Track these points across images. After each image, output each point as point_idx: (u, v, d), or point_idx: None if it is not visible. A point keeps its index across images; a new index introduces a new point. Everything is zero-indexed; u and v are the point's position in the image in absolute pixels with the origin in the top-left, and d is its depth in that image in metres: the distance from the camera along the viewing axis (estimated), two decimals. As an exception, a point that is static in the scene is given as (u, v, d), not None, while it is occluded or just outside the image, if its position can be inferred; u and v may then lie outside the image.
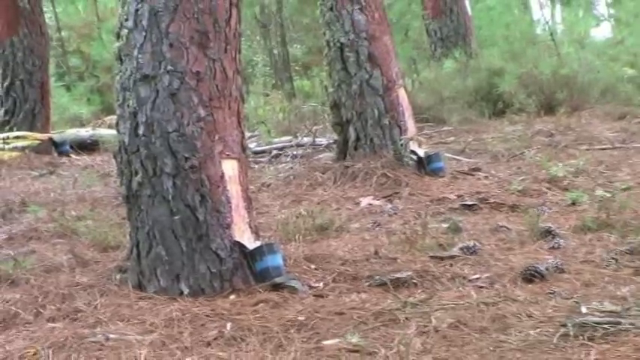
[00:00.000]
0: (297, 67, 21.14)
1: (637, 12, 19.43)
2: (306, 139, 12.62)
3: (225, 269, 5.52)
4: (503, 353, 4.23)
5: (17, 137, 13.41)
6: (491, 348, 4.31)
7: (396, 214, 7.91)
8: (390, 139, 9.66)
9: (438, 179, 9.36)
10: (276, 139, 13.15)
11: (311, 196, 8.90)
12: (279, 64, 21.35)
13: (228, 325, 4.81)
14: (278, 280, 5.53)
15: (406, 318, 4.81)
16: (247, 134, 6.76)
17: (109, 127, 14.90)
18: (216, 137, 5.58)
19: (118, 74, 5.72)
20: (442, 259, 6.11)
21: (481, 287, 5.42)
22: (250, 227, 5.75)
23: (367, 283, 5.59)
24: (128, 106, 5.59)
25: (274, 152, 12.32)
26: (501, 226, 7.04)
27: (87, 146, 14.64)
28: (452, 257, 6.15)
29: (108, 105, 18.60)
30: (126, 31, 5.63)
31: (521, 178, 8.95)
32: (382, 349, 4.30)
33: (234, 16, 5.73)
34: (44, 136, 13.95)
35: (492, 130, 12.59)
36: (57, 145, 14.18)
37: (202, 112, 5.53)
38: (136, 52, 5.55)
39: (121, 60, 5.67)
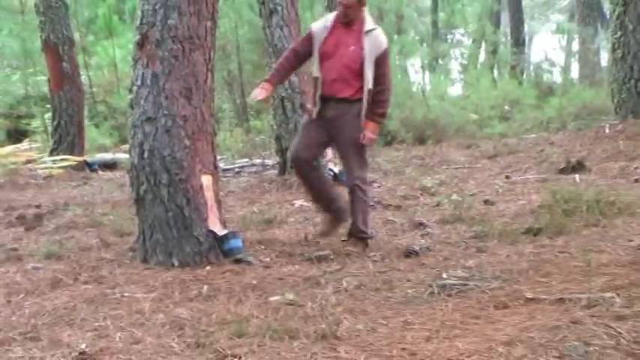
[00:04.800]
0: (252, 112, 21.06)
1: (478, 77, 19.64)
2: (258, 161, 12.60)
3: (203, 249, 5.48)
4: (391, 305, 4.25)
5: (62, 159, 13.42)
6: (382, 302, 4.33)
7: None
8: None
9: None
10: (237, 161, 13.11)
11: (261, 200, 8.86)
12: (240, 110, 21.24)
13: (205, 287, 4.77)
14: (239, 256, 5.50)
15: (325, 282, 4.81)
16: (218, 157, 6.69)
17: (125, 152, 14.73)
18: (197, 159, 5.54)
19: (130, 117, 5.66)
20: (350, 242, 6.09)
21: (376, 261, 5.42)
22: (220, 220, 5.71)
23: (299, 259, 5.56)
24: (137, 138, 5.54)
25: (236, 170, 12.27)
26: (390, 220, 7.05)
27: (110, 166, 14.62)
28: (356, 240, 6.13)
29: (123, 138, 18.39)
30: (135, 87, 5.57)
31: (402, 187, 9.00)
32: (309, 302, 4.29)
33: (209, 77, 5.69)
34: (80, 158, 13.91)
35: (384, 155, 12.61)
36: (89, 165, 14.15)
37: (187, 143, 5.48)
38: (142, 102, 5.49)
39: (132, 107, 5.60)
